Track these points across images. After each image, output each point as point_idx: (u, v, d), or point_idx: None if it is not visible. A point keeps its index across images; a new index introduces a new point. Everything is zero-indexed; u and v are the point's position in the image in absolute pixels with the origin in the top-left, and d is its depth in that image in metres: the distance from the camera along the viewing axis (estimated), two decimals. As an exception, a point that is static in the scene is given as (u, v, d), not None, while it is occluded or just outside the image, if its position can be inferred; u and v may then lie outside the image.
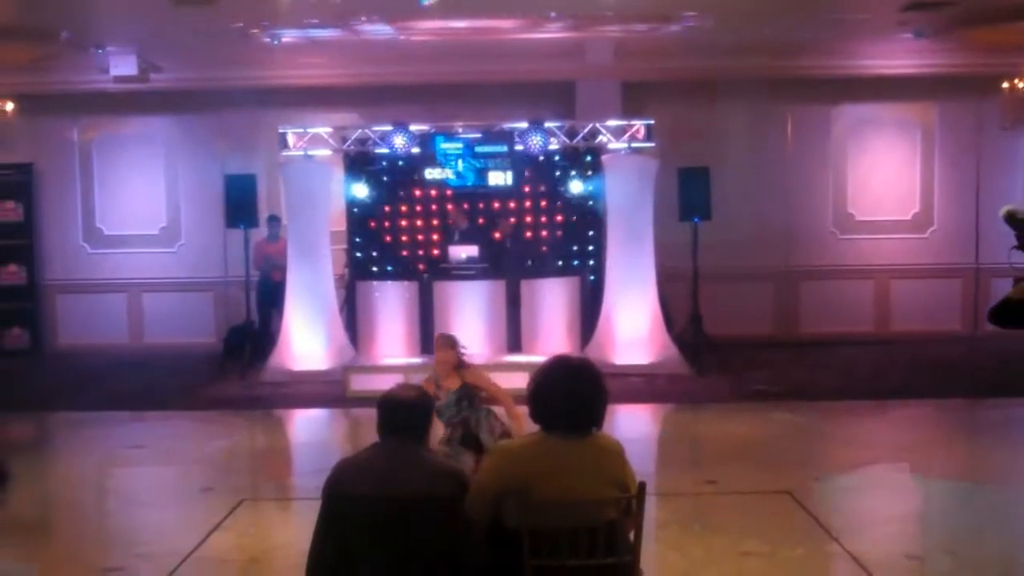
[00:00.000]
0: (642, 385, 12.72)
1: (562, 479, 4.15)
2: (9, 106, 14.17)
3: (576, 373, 4.37)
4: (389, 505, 4.18)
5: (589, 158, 14.32)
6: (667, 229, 13.72)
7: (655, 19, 12.96)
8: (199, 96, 15.50)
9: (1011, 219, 5.12)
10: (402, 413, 4.48)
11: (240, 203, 13.91)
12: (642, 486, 4.30)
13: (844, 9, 12.80)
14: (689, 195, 13.75)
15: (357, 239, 14.54)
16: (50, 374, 14.51)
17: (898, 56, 15.10)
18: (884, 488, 8.84)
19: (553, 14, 12.58)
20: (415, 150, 13.64)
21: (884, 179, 16.19)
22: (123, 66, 14.12)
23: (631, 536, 4.33)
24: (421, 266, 14.36)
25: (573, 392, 4.28)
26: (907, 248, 16.20)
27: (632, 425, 11.19)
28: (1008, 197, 14.75)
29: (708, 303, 14.07)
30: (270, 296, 14.57)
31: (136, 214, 16.28)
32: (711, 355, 13.66)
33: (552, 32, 13.57)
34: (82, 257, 16.37)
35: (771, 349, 15.04)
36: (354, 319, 13.91)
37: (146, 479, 9.61)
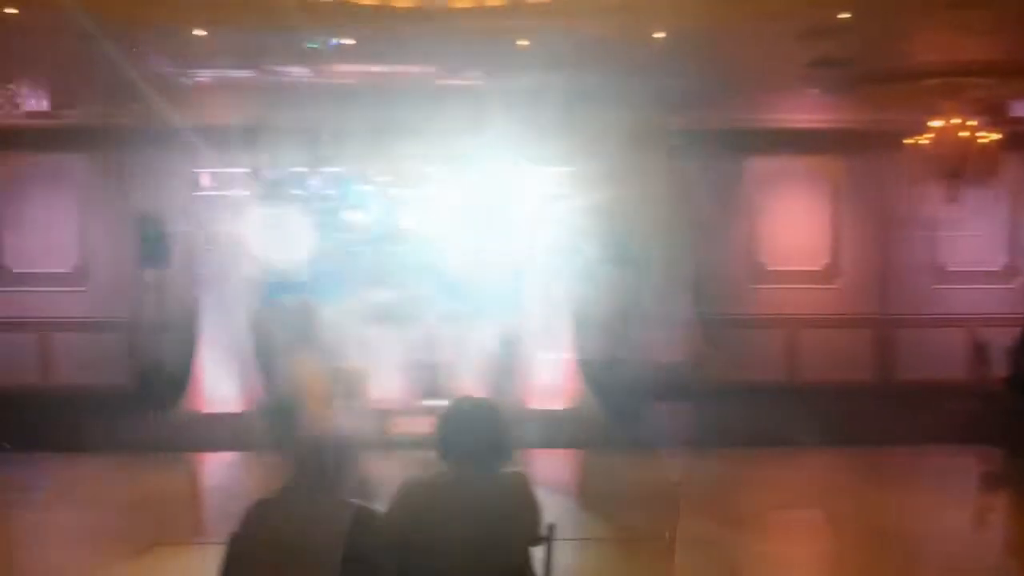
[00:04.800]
0: (557, 430, 12.74)
1: (470, 517, 4.19)
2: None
3: (478, 411, 4.45)
4: (299, 548, 4.16)
5: (507, 202, 14.39)
6: (585, 274, 13.80)
7: (569, 69, 13.14)
8: (114, 134, 15.32)
9: None
10: (320, 455, 4.47)
11: (152, 243, 13.76)
12: (552, 528, 4.34)
13: (755, 64, 13.08)
14: (608, 240, 13.87)
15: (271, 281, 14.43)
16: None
17: (807, 111, 15.44)
18: (797, 535, 8.95)
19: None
20: (329, 192, 13.63)
21: (795, 230, 16.46)
22: (35, 102, 13.94)
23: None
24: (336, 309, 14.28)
25: (477, 428, 4.34)
26: (817, 298, 16.46)
27: (547, 469, 11.22)
28: (912, 249, 15.15)
29: (624, 348, 14.12)
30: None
31: (46, 252, 15.99)
32: (627, 399, 13.70)
33: (470, 79, 13.67)
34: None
35: (683, 394, 15.15)
36: (267, 362, 13.78)
37: (53, 522, 9.41)
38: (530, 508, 4.36)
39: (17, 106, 14.50)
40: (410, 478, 4.39)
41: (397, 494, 4.36)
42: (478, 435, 4.34)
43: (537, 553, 4.37)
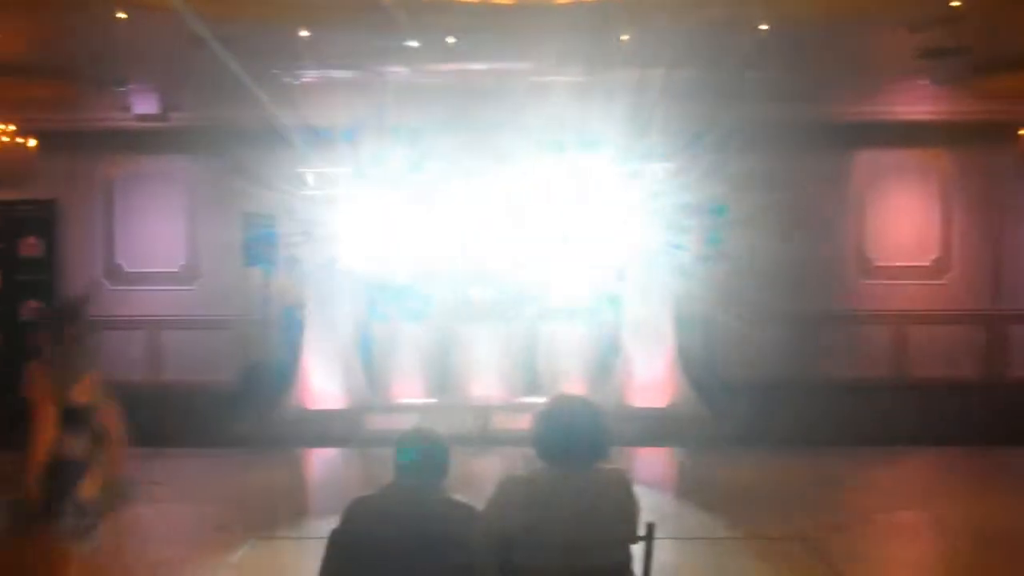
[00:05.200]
0: (658, 427, 12.67)
1: (569, 514, 4.16)
2: (32, 142, 14.29)
3: (577, 409, 4.40)
4: (400, 545, 4.18)
5: (607, 199, 14.31)
6: (685, 271, 13.70)
7: (672, 63, 13.03)
8: (219, 135, 15.59)
9: None
10: (420, 453, 4.48)
11: (259, 242, 13.98)
12: (651, 527, 4.29)
13: (863, 56, 12.84)
14: (708, 237, 13.76)
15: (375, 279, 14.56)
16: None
17: (916, 103, 15.11)
18: (904, 537, 8.77)
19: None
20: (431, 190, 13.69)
21: (903, 224, 16.15)
22: (144, 105, 14.27)
23: (641, 580, 4.33)
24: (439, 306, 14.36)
25: (575, 427, 4.30)
26: (926, 293, 16.13)
27: (648, 467, 11.15)
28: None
29: (725, 345, 14.01)
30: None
31: (156, 252, 16.36)
32: (728, 398, 13.60)
33: (570, 75, 13.63)
34: (102, 294, 16.43)
35: (789, 392, 14.94)
36: (371, 359, 13.93)
37: (162, 516, 9.61)
38: (629, 506, 4.32)
39: (128, 109, 14.88)
40: (509, 475, 4.37)
41: (497, 491, 4.35)
42: (576, 434, 4.30)
43: (637, 551, 4.32)
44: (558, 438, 4.30)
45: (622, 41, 12.03)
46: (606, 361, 13.87)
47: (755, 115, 14.86)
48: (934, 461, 11.64)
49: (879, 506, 9.46)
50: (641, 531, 4.32)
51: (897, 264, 16.15)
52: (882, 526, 8.87)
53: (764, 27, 11.46)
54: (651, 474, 11.20)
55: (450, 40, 11.97)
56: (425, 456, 4.48)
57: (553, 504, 4.16)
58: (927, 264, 16.23)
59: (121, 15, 11.03)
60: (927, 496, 10.02)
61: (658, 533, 4.40)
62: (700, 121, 14.74)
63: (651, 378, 13.36)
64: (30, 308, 15.99)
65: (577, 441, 4.29)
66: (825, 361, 15.91)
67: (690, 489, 10.85)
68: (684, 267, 13.69)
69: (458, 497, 4.42)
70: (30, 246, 16.14)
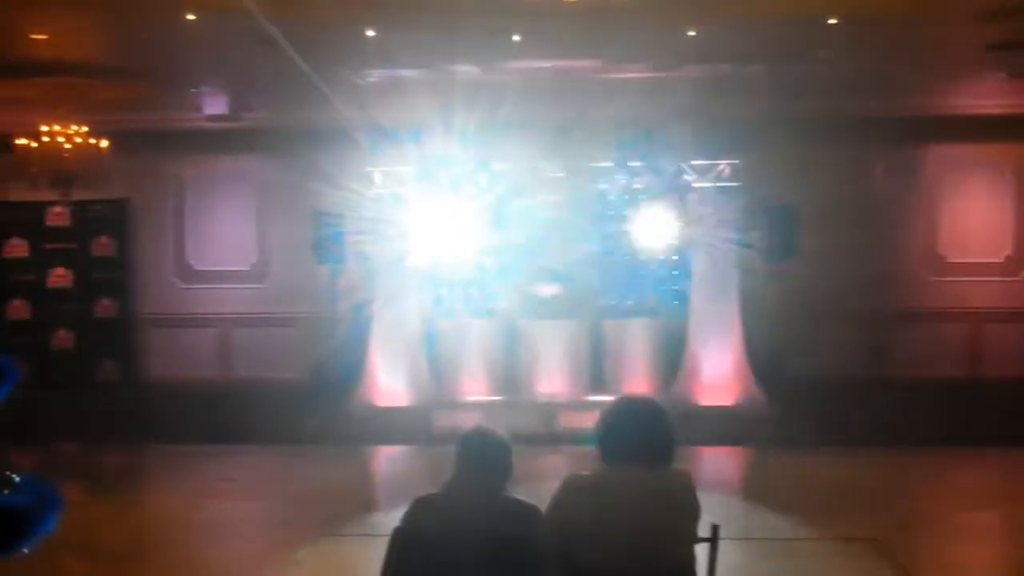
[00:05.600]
0: (726, 426, 12.58)
1: (631, 515, 4.14)
2: (105, 143, 14.52)
3: (642, 409, 4.37)
4: (462, 545, 4.18)
5: (673, 197, 14.25)
6: (752, 269, 13.61)
7: (740, 59, 12.94)
8: (289, 135, 15.74)
9: None
10: (483, 452, 4.48)
11: (327, 240, 14.10)
12: (716, 529, 4.26)
13: (934, 49, 12.65)
14: (775, 235, 13.65)
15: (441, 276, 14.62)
16: (141, 407, 14.75)
17: (989, 96, 14.86)
18: (977, 539, 8.63)
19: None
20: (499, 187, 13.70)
21: (975, 220, 15.90)
22: (215, 105, 14.45)
23: (706, 581, 4.30)
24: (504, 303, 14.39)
25: (640, 427, 4.27)
26: (1000, 291, 15.87)
27: (714, 467, 11.08)
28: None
29: (794, 343, 13.89)
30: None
31: (226, 250, 16.56)
32: (796, 396, 13.47)
33: (638, 72, 13.59)
34: (174, 292, 16.68)
35: (859, 391, 14.77)
36: (437, 356, 14.00)
37: (231, 511, 9.74)
38: (692, 508, 4.28)
39: (199, 110, 15.08)
40: (571, 476, 4.35)
41: (559, 491, 4.34)
42: (640, 435, 4.27)
43: (700, 552, 4.29)
44: (622, 439, 4.27)
45: (689, 37, 11.96)
46: (672, 359, 13.80)
47: (824, 110, 14.73)
48: (1007, 461, 11.44)
49: (951, 507, 9.34)
50: (703, 533, 4.29)
51: (969, 261, 15.89)
52: (954, 527, 8.74)
53: (833, 21, 11.33)
54: (718, 474, 11.13)
55: (516, 38, 11.98)
56: (488, 455, 4.47)
57: (615, 505, 4.15)
58: (1000, 261, 15.95)
59: (191, 16, 11.17)
60: (1000, 497, 9.87)
61: (725, 534, 4.37)
62: (769, 117, 14.63)
63: (718, 376, 13.28)
64: (103, 306, 16.30)
65: (641, 443, 4.26)
66: (895, 360, 15.71)
67: (758, 489, 10.76)
68: (752, 264, 13.59)
69: (521, 497, 4.41)
70: (103, 245, 16.40)
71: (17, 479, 2.91)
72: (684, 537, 4.24)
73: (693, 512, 4.28)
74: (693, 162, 13.63)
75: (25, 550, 2.81)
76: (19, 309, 16.20)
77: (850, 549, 7.86)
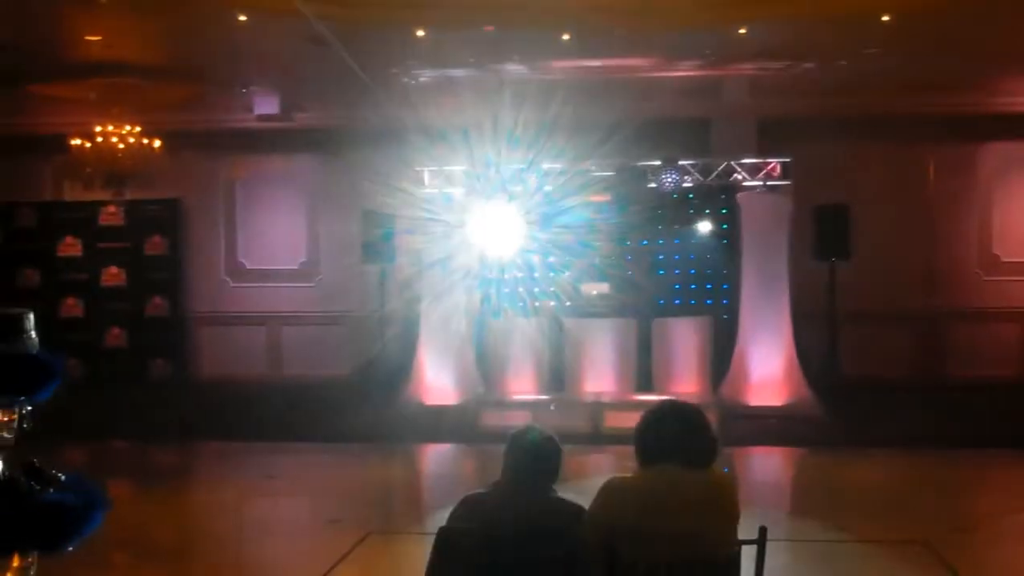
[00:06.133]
0: (775, 427, 12.50)
1: (677, 512, 4.12)
2: (158, 143, 14.68)
3: (684, 412, 4.36)
4: (506, 544, 4.17)
5: (724, 196, 14.20)
6: (803, 268, 13.51)
7: (792, 56, 12.85)
8: (339, 134, 15.82)
9: None
10: (533, 453, 4.47)
11: (377, 240, 14.17)
12: (763, 531, 4.23)
13: (987, 44, 12.49)
14: (827, 234, 13.56)
15: (489, 275, 14.63)
16: (192, 405, 14.87)
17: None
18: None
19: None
20: (547, 187, 13.70)
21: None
22: (266, 105, 14.56)
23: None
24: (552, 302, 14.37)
25: (680, 429, 4.26)
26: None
27: (764, 468, 11.01)
28: None
29: (845, 344, 13.77)
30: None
31: (277, 249, 16.67)
32: (848, 397, 13.35)
33: (687, 70, 13.53)
34: (224, 290, 16.81)
35: (911, 392, 14.62)
36: (485, 354, 14.02)
37: (280, 509, 9.80)
38: (733, 508, 4.26)
39: (250, 110, 15.21)
40: (614, 478, 4.33)
41: (601, 493, 4.33)
42: (679, 437, 4.26)
43: (749, 555, 4.25)
44: (662, 440, 4.26)
45: (740, 35, 11.89)
46: (721, 359, 13.72)
47: (876, 107, 14.59)
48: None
49: (1004, 508, 9.20)
50: (751, 535, 4.25)
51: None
52: (1007, 529, 8.61)
53: (886, 17, 11.22)
54: (767, 475, 11.05)
55: (565, 37, 11.96)
56: (535, 455, 4.46)
57: (657, 505, 4.13)
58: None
59: (242, 17, 11.25)
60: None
61: (773, 535, 4.33)
62: (820, 114, 14.52)
63: (768, 376, 13.18)
64: (155, 305, 16.46)
65: (681, 444, 4.25)
66: (949, 360, 15.54)
67: (807, 491, 10.67)
68: (802, 263, 13.49)
69: (568, 497, 4.40)
70: (155, 244, 16.56)
71: (63, 478, 2.94)
72: (726, 537, 4.21)
73: (734, 513, 4.26)
74: (744, 160, 13.54)
75: (71, 548, 2.84)
76: (73, 307, 16.41)
77: (900, 551, 7.76)
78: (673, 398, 4.68)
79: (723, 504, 4.26)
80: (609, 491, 4.31)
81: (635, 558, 4.08)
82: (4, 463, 2.88)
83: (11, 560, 2.83)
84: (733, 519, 4.25)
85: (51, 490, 2.88)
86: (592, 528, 4.23)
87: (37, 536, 2.82)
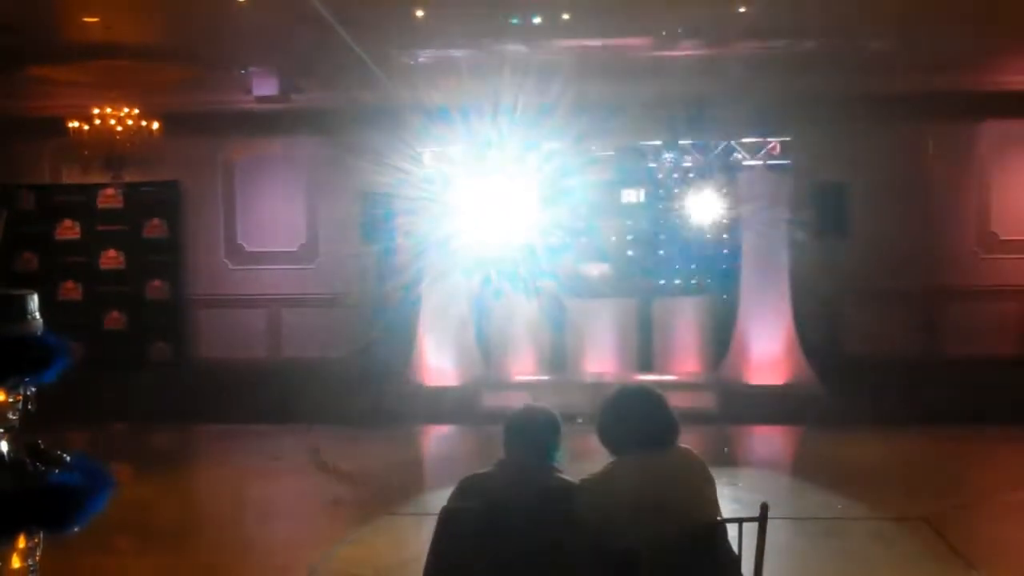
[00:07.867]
0: (775, 406, 12.51)
1: (661, 494, 4.16)
2: (156, 125, 14.64)
3: (642, 393, 4.41)
4: (508, 522, 4.19)
5: (724, 175, 14.17)
6: (803, 247, 13.50)
7: (790, 35, 12.81)
8: (338, 115, 15.76)
9: None
10: (531, 430, 4.48)
11: (376, 221, 14.16)
12: (765, 508, 4.24)
13: (987, 22, 12.45)
14: (826, 212, 13.55)
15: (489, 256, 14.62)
16: (192, 387, 14.88)
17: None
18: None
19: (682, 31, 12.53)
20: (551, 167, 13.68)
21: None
22: (265, 87, 14.50)
23: (754, 561, 4.28)
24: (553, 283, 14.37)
25: (644, 411, 4.31)
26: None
27: (764, 446, 11.03)
28: None
29: (845, 322, 13.77)
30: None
31: (276, 231, 16.65)
32: (847, 376, 13.36)
33: (687, 49, 13.50)
34: (224, 273, 16.80)
35: (910, 370, 14.63)
36: (485, 335, 14.02)
37: (283, 491, 9.82)
38: (708, 475, 4.32)
39: (249, 91, 15.12)
40: (587, 478, 4.35)
41: (583, 494, 4.32)
42: (643, 422, 4.30)
43: (750, 532, 4.27)
44: (626, 428, 4.31)
45: (740, 13, 11.85)
46: (722, 338, 13.74)
47: (875, 86, 14.56)
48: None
49: (1004, 486, 9.23)
50: (753, 512, 4.27)
51: (1023, 238, 15.66)
52: (1007, 506, 8.64)
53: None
54: (768, 453, 11.07)
55: (565, 16, 11.92)
56: (536, 435, 4.48)
57: (639, 496, 4.16)
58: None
59: (241, -1, 11.22)
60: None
61: (774, 513, 4.35)
62: (820, 93, 14.48)
63: (769, 355, 13.20)
64: (154, 287, 16.44)
65: (645, 428, 4.29)
66: (947, 338, 15.55)
67: (808, 469, 10.68)
68: (802, 242, 13.49)
69: (568, 476, 4.41)
70: (154, 227, 16.52)
71: (68, 459, 2.94)
72: (712, 506, 4.26)
73: (710, 478, 4.32)
74: (743, 140, 13.53)
75: (76, 528, 2.85)
76: (72, 291, 16.37)
77: (901, 528, 7.79)
78: (626, 384, 4.74)
79: (699, 472, 4.31)
80: (591, 492, 4.31)
81: (632, 544, 4.10)
82: (9, 444, 2.88)
83: (17, 540, 2.84)
84: (711, 483, 4.31)
85: (56, 471, 2.88)
86: (581, 533, 4.23)
87: (43, 517, 2.82)
